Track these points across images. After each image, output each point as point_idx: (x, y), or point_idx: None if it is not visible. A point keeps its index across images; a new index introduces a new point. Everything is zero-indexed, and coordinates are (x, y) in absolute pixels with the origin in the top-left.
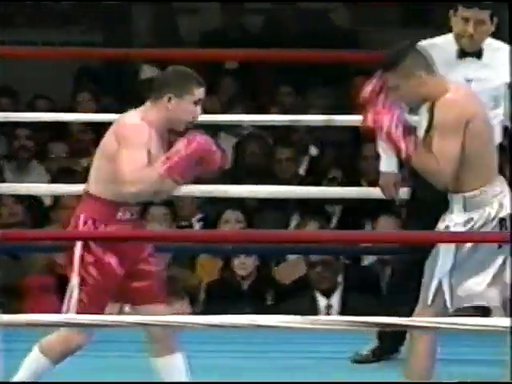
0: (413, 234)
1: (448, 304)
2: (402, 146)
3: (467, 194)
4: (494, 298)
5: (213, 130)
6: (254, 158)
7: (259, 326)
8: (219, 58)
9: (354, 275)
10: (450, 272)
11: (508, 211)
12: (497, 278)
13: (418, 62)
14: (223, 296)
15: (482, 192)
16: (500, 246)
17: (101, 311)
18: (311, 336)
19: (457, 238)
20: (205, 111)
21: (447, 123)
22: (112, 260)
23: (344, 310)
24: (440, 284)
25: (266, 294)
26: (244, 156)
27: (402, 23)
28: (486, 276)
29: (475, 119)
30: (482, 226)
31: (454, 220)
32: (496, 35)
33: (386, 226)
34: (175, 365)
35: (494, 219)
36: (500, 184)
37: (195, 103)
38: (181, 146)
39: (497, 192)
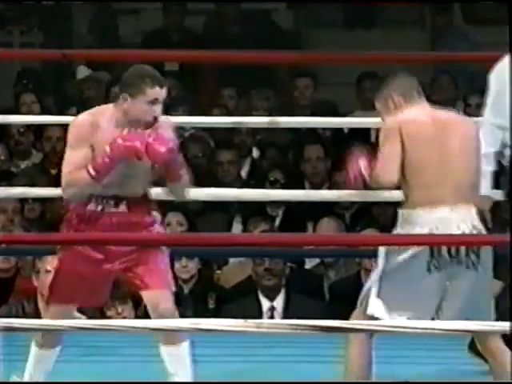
0: (357, 237)
1: (368, 310)
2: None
3: (402, 210)
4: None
5: None
6: (195, 160)
7: (201, 329)
8: (160, 59)
9: (297, 278)
10: (380, 280)
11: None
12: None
13: (397, 89)
14: None
15: (419, 212)
16: (429, 270)
17: (71, 298)
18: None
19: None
20: None
21: (383, 132)
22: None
23: (287, 313)
24: (369, 290)
25: (208, 297)
26: (185, 158)
27: (346, 25)
28: (409, 296)
29: (410, 137)
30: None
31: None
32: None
33: (327, 228)
34: (180, 354)
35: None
36: (455, 214)
37: (151, 103)
38: (107, 147)
39: (438, 218)
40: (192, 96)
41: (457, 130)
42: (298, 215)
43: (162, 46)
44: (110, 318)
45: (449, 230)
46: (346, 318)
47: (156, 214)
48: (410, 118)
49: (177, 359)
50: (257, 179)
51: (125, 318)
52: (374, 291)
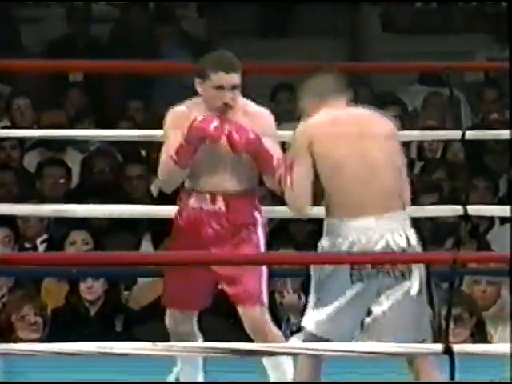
0: (273, 256)
1: (302, 323)
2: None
3: (326, 220)
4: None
5: (59, 144)
6: (102, 175)
7: (108, 353)
8: (64, 68)
9: None
10: (313, 292)
11: (369, 248)
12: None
13: (313, 87)
14: (70, 322)
15: (342, 222)
16: (352, 281)
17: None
18: None
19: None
20: (50, 125)
21: (293, 150)
22: None
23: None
24: (307, 303)
25: (115, 319)
26: (91, 173)
27: (259, 33)
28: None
29: (322, 147)
30: None
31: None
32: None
33: None
34: (280, 363)
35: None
36: (380, 224)
37: (218, 88)
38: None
39: (361, 228)
40: (98, 108)
41: (376, 133)
42: None
43: (67, 55)
44: (20, 339)
45: (372, 241)
46: None
47: (258, 216)
48: (323, 130)
49: (276, 369)
50: (167, 196)
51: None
52: (310, 304)
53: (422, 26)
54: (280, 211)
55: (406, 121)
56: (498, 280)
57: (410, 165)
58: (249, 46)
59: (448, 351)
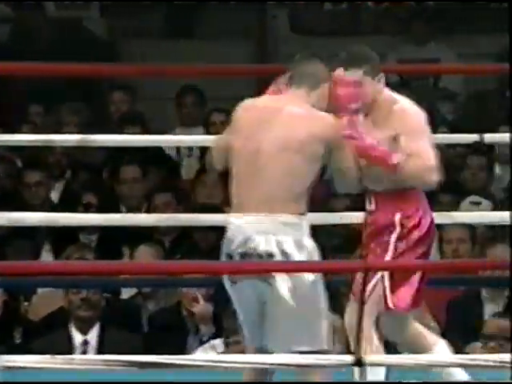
0: (177, 264)
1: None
2: None
3: None
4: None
5: None
6: None
7: (4, 367)
8: None
9: (112, 309)
10: None
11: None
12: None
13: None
14: None
15: (229, 217)
16: (231, 285)
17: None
18: None
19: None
20: None
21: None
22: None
23: (102, 347)
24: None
25: (14, 331)
26: None
27: (165, 34)
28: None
29: (239, 130)
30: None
31: None
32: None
33: (145, 255)
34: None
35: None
36: (251, 225)
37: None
38: None
39: (238, 226)
40: None
41: (289, 136)
42: (114, 241)
43: None
44: None
45: (246, 240)
46: (167, 351)
47: (397, 217)
48: (244, 115)
49: None
50: (68, 203)
51: None
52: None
53: (331, 27)
54: (184, 219)
55: None
56: None
57: (322, 170)
58: (154, 47)
59: (359, 362)
